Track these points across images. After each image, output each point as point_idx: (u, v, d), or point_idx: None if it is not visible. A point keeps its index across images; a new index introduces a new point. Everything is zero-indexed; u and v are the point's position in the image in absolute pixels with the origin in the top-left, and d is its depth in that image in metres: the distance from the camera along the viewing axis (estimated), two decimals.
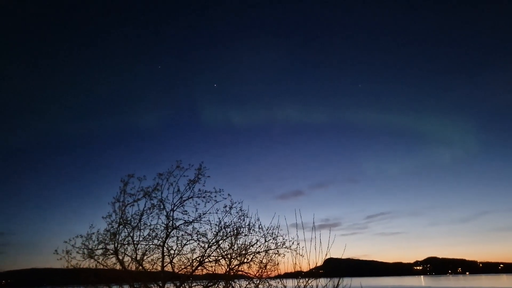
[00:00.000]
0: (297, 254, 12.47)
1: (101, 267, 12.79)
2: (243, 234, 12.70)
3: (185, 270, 12.65)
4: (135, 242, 12.75)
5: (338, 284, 11.68)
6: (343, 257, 12.50)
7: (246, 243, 12.68)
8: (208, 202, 12.79)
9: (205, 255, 12.61)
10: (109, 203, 12.90)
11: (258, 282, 12.48)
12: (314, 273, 12.64)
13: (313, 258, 12.35)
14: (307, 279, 12.14)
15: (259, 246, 12.72)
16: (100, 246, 12.74)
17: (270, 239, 12.73)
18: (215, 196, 12.77)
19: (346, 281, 11.75)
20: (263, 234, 12.74)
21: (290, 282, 12.51)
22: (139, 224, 12.77)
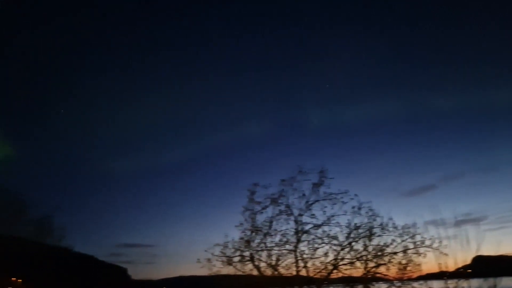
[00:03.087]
0: (439, 253, 11.56)
1: (240, 273, 13.40)
2: (376, 235, 12.20)
3: (320, 274, 12.59)
4: (268, 248, 13.10)
5: (494, 286, 10.45)
6: (495, 254, 11.19)
7: (381, 244, 12.14)
8: (335, 204, 12.62)
9: (339, 258, 12.41)
10: (239, 213, 13.50)
11: (399, 285, 11.83)
12: (462, 273, 11.55)
13: (458, 257, 11.31)
14: (456, 280, 11.13)
15: (396, 246, 12.06)
16: (237, 254, 13.35)
17: (407, 238, 12.00)
18: (341, 198, 12.57)
19: (504, 281, 10.46)
20: (399, 234, 12.07)
21: (435, 284, 11.62)
22: (270, 230, 13.10)
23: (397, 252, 12.01)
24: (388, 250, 12.07)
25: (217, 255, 13.45)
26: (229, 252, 13.41)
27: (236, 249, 13.34)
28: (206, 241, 13.72)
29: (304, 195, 12.79)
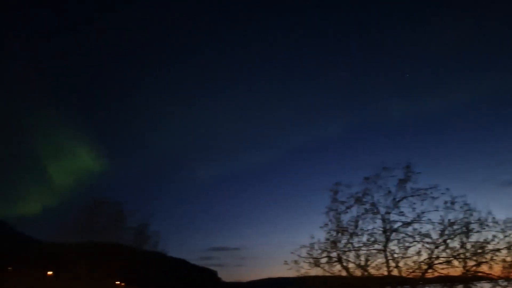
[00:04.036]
0: None
1: (328, 274, 13.26)
2: (474, 231, 11.32)
3: (414, 273, 11.99)
4: (355, 248, 12.82)
5: None
6: None
7: (480, 241, 11.24)
8: (424, 200, 11.99)
9: (433, 256, 11.71)
10: (323, 213, 13.38)
11: (505, 284, 10.84)
12: None
13: None
14: None
15: (498, 243, 11.08)
16: (324, 255, 13.24)
17: (510, 234, 10.98)
18: (431, 193, 11.90)
19: None
20: (501, 228, 11.08)
21: None
22: (356, 230, 12.81)
23: (500, 249, 11.03)
24: (490, 247, 11.14)
25: (304, 257, 13.49)
26: (315, 253, 13.38)
27: (323, 250, 13.26)
28: (292, 242, 13.82)
29: (390, 192, 12.36)
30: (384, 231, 12.38)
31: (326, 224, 13.27)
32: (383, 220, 12.42)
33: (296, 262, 13.52)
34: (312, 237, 13.47)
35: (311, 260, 13.37)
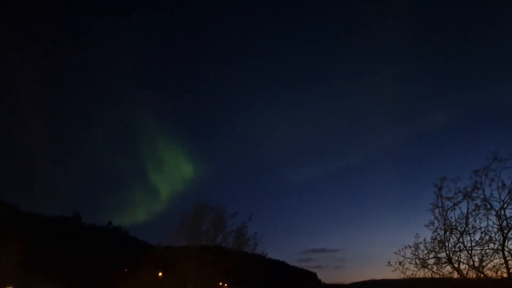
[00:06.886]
0: None
1: (437, 276, 12.41)
2: None
3: None
4: (467, 248, 11.80)
5: None
6: None
7: None
8: None
9: None
10: (428, 210, 12.56)
11: None
12: None
13: None
14: None
15: None
16: (431, 255, 12.44)
17: None
18: None
19: None
20: None
21: None
22: (466, 228, 11.80)
23: None
24: None
25: (409, 257, 12.83)
26: (422, 253, 12.65)
27: (430, 250, 12.47)
28: (395, 242, 13.19)
29: (504, 185, 11.15)
30: (501, 229, 11.21)
31: (432, 223, 12.49)
32: (498, 216, 11.25)
33: (400, 263, 12.92)
34: (417, 237, 12.78)
35: (417, 261, 12.68)
